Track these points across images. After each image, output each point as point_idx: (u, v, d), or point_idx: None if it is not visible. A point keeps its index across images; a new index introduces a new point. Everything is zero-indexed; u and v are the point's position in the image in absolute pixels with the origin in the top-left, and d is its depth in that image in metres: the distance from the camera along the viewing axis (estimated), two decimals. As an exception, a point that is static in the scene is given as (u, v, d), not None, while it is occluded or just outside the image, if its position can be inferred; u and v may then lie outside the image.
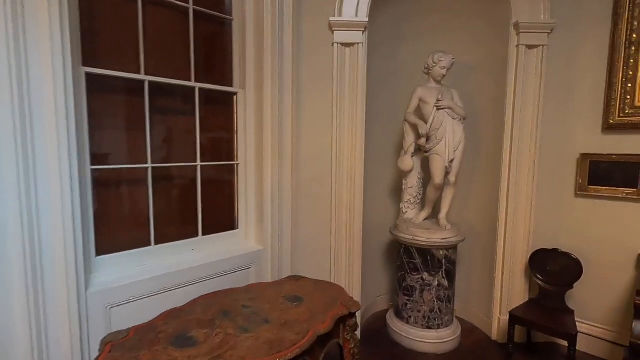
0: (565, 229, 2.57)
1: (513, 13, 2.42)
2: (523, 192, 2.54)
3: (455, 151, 2.47)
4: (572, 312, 2.38)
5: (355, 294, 2.52)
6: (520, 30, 2.40)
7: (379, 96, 2.86)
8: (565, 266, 2.46)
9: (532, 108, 2.46)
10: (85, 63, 1.67)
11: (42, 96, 1.42)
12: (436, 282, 2.53)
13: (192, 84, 2.07)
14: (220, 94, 2.23)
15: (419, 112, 2.57)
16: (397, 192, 2.98)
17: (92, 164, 1.72)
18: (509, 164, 2.55)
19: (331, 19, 2.28)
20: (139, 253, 1.91)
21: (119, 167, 1.85)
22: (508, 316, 2.42)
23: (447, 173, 2.51)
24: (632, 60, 2.26)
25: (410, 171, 2.69)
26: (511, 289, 2.63)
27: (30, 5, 1.37)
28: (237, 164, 2.33)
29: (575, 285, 2.42)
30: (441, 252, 2.51)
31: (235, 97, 2.28)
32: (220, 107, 2.26)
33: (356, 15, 2.30)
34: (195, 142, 2.12)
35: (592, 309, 2.51)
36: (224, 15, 2.20)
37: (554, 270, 2.49)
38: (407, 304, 2.63)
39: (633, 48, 2.25)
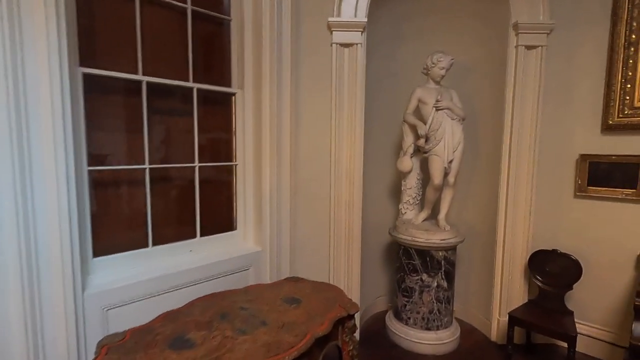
0: (564, 229, 2.57)
1: (512, 13, 2.41)
2: (522, 193, 2.54)
3: (454, 152, 2.46)
4: (571, 313, 2.38)
5: (354, 295, 2.51)
6: (520, 31, 2.40)
7: (379, 96, 2.86)
8: (564, 267, 2.45)
9: (531, 109, 2.46)
10: (83, 63, 1.65)
11: (38, 96, 1.41)
12: (435, 283, 2.52)
13: (190, 84, 2.06)
14: (219, 95, 2.22)
15: (418, 113, 2.57)
16: (396, 193, 2.97)
17: (89, 164, 1.71)
18: (508, 164, 2.54)
19: (330, 19, 2.28)
20: (137, 254, 1.90)
21: (116, 168, 1.84)
22: (507, 317, 2.41)
23: (446, 174, 2.50)
24: (631, 61, 2.26)
25: (409, 172, 2.68)
26: (510, 290, 2.62)
27: (26, 4, 1.36)
28: (236, 165, 2.32)
29: (574, 286, 2.42)
30: (440, 253, 2.50)
31: (233, 97, 2.27)
32: (219, 108, 2.25)
33: (355, 16, 2.30)
34: (193, 143, 2.11)
35: (592, 310, 2.50)
36: (222, 16, 2.19)
37: (553, 271, 2.48)
38: (406, 305, 2.62)
39: (632, 49, 2.25)
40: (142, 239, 1.95)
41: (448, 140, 2.44)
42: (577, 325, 2.30)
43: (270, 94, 2.16)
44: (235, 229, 2.35)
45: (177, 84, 2.00)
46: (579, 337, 2.19)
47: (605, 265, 2.43)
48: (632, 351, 1.86)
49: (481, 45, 2.76)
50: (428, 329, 2.56)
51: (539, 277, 2.52)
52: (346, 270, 2.51)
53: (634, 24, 2.23)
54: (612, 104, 2.33)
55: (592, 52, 2.40)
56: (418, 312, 2.57)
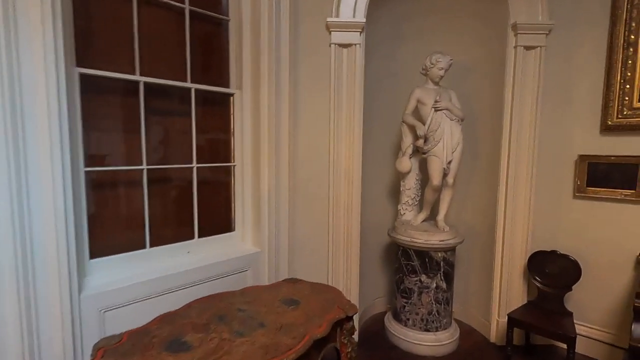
0: (563, 230, 2.56)
1: (511, 14, 2.41)
2: (521, 194, 2.53)
3: (453, 152, 2.45)
4: (570, 314, 2.37)
5: (353, 296, 2.50)
6: (518, 31, 2.39)
7: (378, 97, 2.85)
8: (563, 268, 2.44)
9: (530, 109, 2.45)
10: (79, 63, 1.65)
11: (34, 96, 1.40)
12: (434, 285, 2.51)
13: (188, 84, 2.05)
14: (217, 95, 2.21)
15: (417, 113, 2.56)
16: (395, 194, 2.97)
17: (86, 165, 1.70)
18: (507, 165, 2.53)
19: (328, 19, 2.27)
20: (134, 256, 1.89)
21: (113, 169, 1.83)
22: (506, 318, 2.40)
23: (445, 174, 2.50)
24: (630, 62, 2.26)
25: (408, 172, 2.67)
26: (509, 291, 2.62)
27: (21, 3, 1.35)
28: (234, 166, 2.31)
29: (573, 287, 2.41)
30: (439, 254, 2.50)
31: (231, 98, 2.26)
32: (217, 108, 2.25)
33: (353, 16, 2.29)
34: (191, 144, 2.10)
35: (591, 311, 2.50)
36: (220, 16, 2.18)
37: (552, 272, 2.47)
38: (405, 306, 2.61)
39: (631, 49, 2.24)
40: (140, 240, 1.94)
41: (447, 141, 2.43)
42: (576, 326, 2.30)
43: (269, 95, 2.15)
44: (234, 230, 2.34)
45: (175, 85, 1.99)
46: (578, 338, 2.18)
47: (604, 266, 2.43)
48: (632, 352, 1.85)
49: (481, 46, 2.75)
50: (427, 330, 2.55)
51: (538, 278, 2.51)
52: (345, 271, 2.50)
53: (633, 24, 2.23)
54: (611, 104, 2.33)
55: (591, 52, 2.39)
56: (417, 313, 2.56)
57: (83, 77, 1.65)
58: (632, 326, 1.89)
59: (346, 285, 2.50)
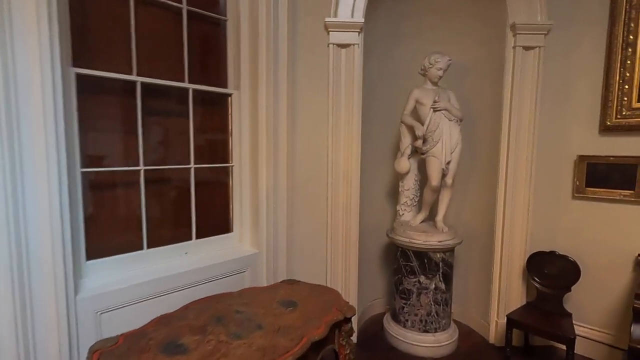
0: (562, 231, 2.56)
1: (509, 14, 2.40)
2: (520, 194, 2.52)
3: (452, 153, 2.45)
4: (570, 315, 2.36)
5: (352, 297, 2.49)
6: (517, 32, 2.39)
7: (376, 97, 2.84)
8: (562, 269, 2.44)
9: (529, 109, 2.45)
10: (76, 63, 1.63)
11: (30, 97, 1.39)
12: (433, 285, 2.50)
13: (185, 85, 2.04)
14: (215, 95, 2.20)
15: (416, 114, 2.55)
16: (394, 194, 2.96)
17: (83, 166, 1.69)
18: (506, 165, 2.53)
19: (327, 19, 2.26)
20: (131, 257, 1.88)
21: (110, 170, 1.82)
22: (505, 319, 2.40)
23: (443, 175, 2.49)
24: (628, 62, 2.25)
25: (407, 173, 2.67)
26: (508, 292, 2.61)
27: (17, 3, 1.34)
28: (232, 166, 2.30)
29: (573, 288, 2.40)
30: (438, 255, 2.49)
31: (229, 98, 2.25)
32: (215, 109, 2.23)
33: (352, 16, 2.28)
34: (188, 144, 2.09)
35: (590, 311, 2.49)
36: (218, 16, 2.17)
37: (551, 273, 2.47)
38: (404, 307, 2.60)
39: (630, 49, 2.24)
40: (137, 242, 1.92)
41: (446, 142, 2.43)
42: (575, 327, 2.29)
43: (267, 95, 2.15)
44: (232, 231, 2.33)
45: (172, 85, 1.98)
46: (577, 339, 2.17)
47: (603, 266, 2.42)
48: (631, 353, 1.84)
49: (479, 46, 2.75)
50: (426, 331, 2.54)
51: (537, 279, 2.50)
52: (343, 272, 2.49)
53: (632, 25, 2.22)
54: (610, 104, 2.32)
55: (590, 52, 2.39)
56: (416, 315, 2.55)
57: (79, 77, 1.64)
58: (632, 327, 1.88)
59: (345, 286, 2.49)
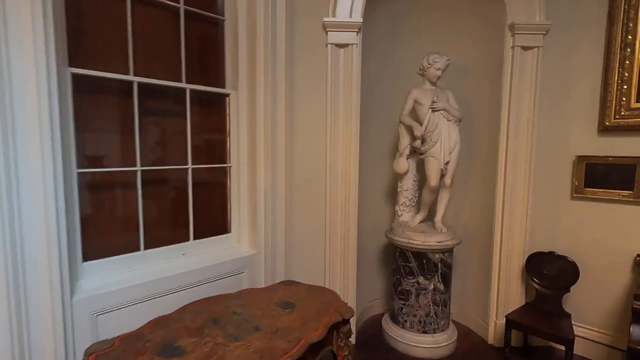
0: (561, 231, 2.55)
1: (508, 14, 2.40)
2: (519, 194, 2.52)
3: (450, 153, 2.44)
4: (568, 315, 2.36)
5: (350, 298, 2.48)
6: (516, 32, 2.38)
7: (375, 97, 2.84)
8: (561, 269, 2.43)
9: (527, 110, 2.44)
10: (72, 63, 1.62)
11: (25, 97, 1.38)
12: (432, 286, 2.49)
13: (182, 85, 2.03)
14: (212, 95, 2.19)
15: (414, 114, 2.55)
16: (393, 195, 2.95)
17: (79, 166, 1.67)
18: (504, 166, 2.52)
19: (325, 19, 2.25)
20: (128, 258, 1.87)
21: (106, 170, 1.80)
22: (504, 320, 2.39)
23: (442, 175, 2.48)
24: (627, 62, 2.25)
25: (406, 173, 2.66)
26: (507, 293, 2.60)
27: (12, 2, 1.33)
28: (230, 167, 2.29)
29: (572, 288, 2.40)
30: (437, 256, 2.48)
31: (227, 98, 2.24)
32: (212, 109, 2.22)
33: (350, 16, 2.27)
34: (186, 145, 2.08)
35: (589, 312, 2.49)
36: (215, 15, 2.16)
37: (550, 273, 2.46)
38: (402, 308, 2.59)
39: (628, 50, 2.24)
40: (134, 243, 1.91)
41: (444, 142, 2.42)
42: (574, 327, 2.29)
43: (265, 95, 2.14)
44: (230, 231, 2.32)
45: (170, 85, 1.97)
46: (576, 339, 2.17)
47: (602, 267, 2.42)
48: (630, 354, 1.83)
49: (478, 46, 2.74)
50: (425, 332, 2.53)
51: (536, 280, 2.50)
52: (342, 273, 2.48)
53: (630, 25, 2.22)
54: (608, 105, 2.32)
55: (588, 53, 2.39)
56: (415, 315, 2.54)
57: (75, 77, 1.63)
58: (631, 328, 1.87)
59: (343, 287, 2.48)
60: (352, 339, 2.29)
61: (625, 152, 2.30)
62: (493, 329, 2.65)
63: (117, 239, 1.87)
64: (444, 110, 2.43)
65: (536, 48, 2.39)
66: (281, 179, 2.26)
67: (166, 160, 2.03)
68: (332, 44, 2.29)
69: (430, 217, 2.69)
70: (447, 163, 2.45)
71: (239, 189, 2.30)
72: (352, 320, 2.20)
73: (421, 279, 2.50)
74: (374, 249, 3.07)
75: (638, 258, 2.26)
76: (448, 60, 2.47)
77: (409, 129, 2.54)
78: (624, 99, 2.27)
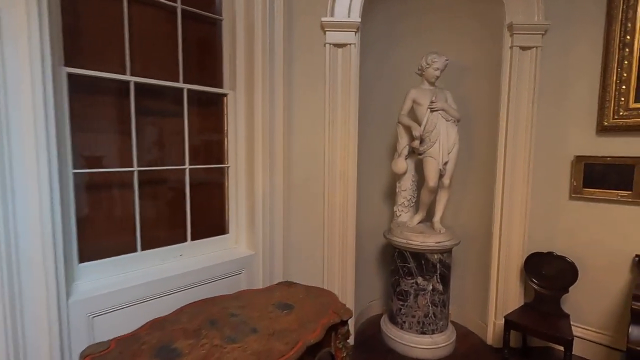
0: (560, 231, 2.55)
1: (507, 14, 2.39)
2: (518, 195, 2.51)
3: (449, 153, 2.43)
4: (567, 316, 2.35)
5: (349, 299, 2.47)
6: (514, 32, 2.38)
7: (373, 97, 2.83)
8: (560, 270, 2.43)
9: (526, 110, 2.44)
10: (67, 63, 1.61)
11: (19, 96, 1.36)
12: (430, 287, 2.49)
13: (180, 85, 2.02)
14: (210, 95, 2.18)
15: (413, 114, 2.54)
16: (391, 195, 2.94)
17: (75, 167, 1.66)
18: (503, 166, 2.52)
19: (323, 19, 2.24)
20: (125, 259, 1.85)
21: (103, 171, 1.79)
22: (503, 321, 2.38)
23: (441, 176, 2.47)
24: (626, 62, 2.24)
25: (404, 174, 2.65)
26: (506, 293, 2.60)
27: (6, 1, 1.31)
28: (228, 167, 2.28)
29: (570, 289, 2.40)
30: (435, 256, 2.47)
31: (225, 98, 2.23)
32: (210, 109, 2.21)
33: (348, 16, 2.27)
34: (183, 145, 2.06)
35: (588, 312, 2.48)
36: (213, 15, 2.15)
37: (549, 274, 2.46)
38: (401, 308, 2.58)
39: (627, 50, 2.23)
40: (131, 244, 1.90)
41: (443, 142, 2.41)
42: (573, 328, 2.28)
43: (263, 95, 2.13)
44: (227, 232, 2.31)
45: (167, 85, 1.96)
46: (575, 340, 2.16)
47: (601, 267, 2.41)
48: (629, 354, 1.83)
49: (477, 46, 2.73)
50: (423, 332, 2.52)
51: (534, 280, 2.49)
52: (340, 273, 2.47)
53: (629, 24, 2.22)
54: (607, 105, 2.31)
55: (587, 53, 2.38)
56: (413, 316, 2.53)
57: (71, 76, 1.61)
58: (629, 328, 1.87)
59: (342, 287, 2.47)
60: (351, 340, 2.29)
61: (624, 152, 2.29)
62: (492, 329, 2.64)
63: (114, 240, 1.85)
64: (443, 110, 2.42)
65: (535, 48, 2.39)
66: (279, 179, 2.25)
67: (163, 160, 2.02)
68: (330, 43, 2.28)
69: (429, 218, 2.68)
70: (445, 163, 2.44)
71: (236, 189, 2.29)
72: (351, 321, 2.19)
73: (420, 280, 2.49)
74: (373, 250, 3.06)
75: (637, 258, 2.26)
76: (447, 60, 2.46)
77: (408, 129, 2.53)
78: (623, 99, 2.27)
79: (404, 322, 2.57)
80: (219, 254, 2.19)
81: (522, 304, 2.57)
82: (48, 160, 1.44)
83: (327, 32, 2.27)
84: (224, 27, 2.20)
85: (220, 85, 2.22)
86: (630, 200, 2.28)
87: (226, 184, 2.29)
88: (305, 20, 2.26)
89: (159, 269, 1.91)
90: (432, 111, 2.43)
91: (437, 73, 2.47)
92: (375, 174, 2.97)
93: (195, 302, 1.72)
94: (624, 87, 2.26)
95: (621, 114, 2.28)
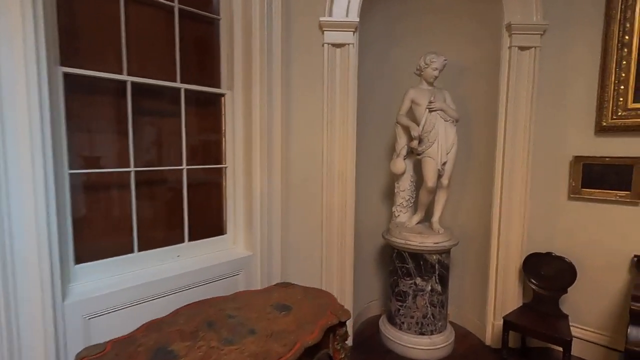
0: (558, 232, 2.55)
1: (505, 14, 2.39)
2: (516, 195, 2.51)
3: (447, 154, 2.43)
4: (566, 317, 2.35)
5: (347, 300, 2.46)
6: (513, 32, 2.37)
7: (372, 97, 2.82)
8: (559, 270, 2.43)
9: (524, 110, 2.44)
10: (63, 62, 1.60)
11: (14, 96, 1.35)
12: (429, 287, 2.48)
13: (177, 84, 2.00)
14: (207, 95, 2.17)
15: (411, 114, 2.54)
16: (390, 195, 2.94)
17: (71, 168, 1.64)
18: (502, 166, 2.51)
19: (321, 19, 2.24)
20: (121, 260, 1.84)
21: (99, 171, 1.77)
22: (502, 321, 2.38)
23: (439, 176, 2.47)
24: (624, 62, 2.24)
25: (403, 174, 2.65)
26: (505, 294, 2.59)
27: (0, 0, 1.30)
28: (225, 167, 2.27)
29: (569, 289, 2.39)
30: (434, 257, 2.47)
31: (222, 98, 2.22)
32: (208, 109, 2.20)
33: (347, 16, 2.26)
34: (181, 145, 2.05)
35: (587, 313, 2.48)
36: (211, 15, 2.14)
37: (548, 274, 2.46)
38: (399, 309, 2.57)
39: (625, 50, 2.23)
40: (128, 245, 1.88)
41: (441, 142, 2.41)
42: (572, 328, 2.28)
43: (261, 95, 2.11)
44: (225, 233, 2.30)
45: (164, 85, 1.95)
46: (573, 340, 2.16)
47: (599, 268, 2.41)
48: (628, 355, 1.83)
49: (475, 46, 2.73)
50: (422, 333, 2.52)
51: (533, 281, 2.49)
52: (339, 274, 2.46)
53: (627, 25, 2.21)
54: (605, 105, 2.31)
55: (585, 52, 2.38)
56: (412, 317, 2.53)
57: (67, 76, 1.60)
58: (628, 329, 1.87)
59: (340, 288, 2.46)
60: (349, 341, 2.28)
61: (623, 152, 2.29)
62: (491, 330, 2.64)
63: (111, 241, 1.84)
64: (441, 110, 2.41)
65: (533, 48, 2.39)
66: (277, 179, 2.24)
67: (161, 160, 2.00)
68: (328, 43, 2.28)
69: (427, 218, 2.68)
70: (444, 163, 2.43)
71: (234, 189, 2.28)
72: (349, 322, 2.18)
73: (418, 280, 2.49)
74: (371, 250, 3.06)
75: (635, 259, 2.26)
76: (445, 60, 2.46)
77: (406, 130, 2.53)
78: (621, 99, 2.27)
79: (403, 322, 2.56)
80: (217, 254, 2.17)
81: (521, 304, 2.57)
82: (43, 160, 1.42)
83: (325, 32, 2.26)
84: (222, 26, 2.18)
85: (218, 85, 2.20)
86: (628, 200, 2.28)
87: (224, 184, 2.28)
88: (304, 20, 2.25)
89: (156, 270, 1.90)
90: (430, 111, 2.42)
91: (436, 73, 2.46)
92: (373, 174, 2.96)
93: (192, 303, 1.71)
94: (622, 87, 2.26)
95: (620, 114, 2.28)
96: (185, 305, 1.68)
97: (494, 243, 2.59)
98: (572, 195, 2.48)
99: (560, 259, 2.43)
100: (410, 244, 2.45)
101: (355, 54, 2.31)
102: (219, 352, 1.28)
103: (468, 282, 2.93)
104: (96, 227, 1.79)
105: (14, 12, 1.32)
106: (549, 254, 2.47)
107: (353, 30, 2.27)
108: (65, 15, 1.61)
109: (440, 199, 2.58)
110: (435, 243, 2.43)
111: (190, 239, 2.11)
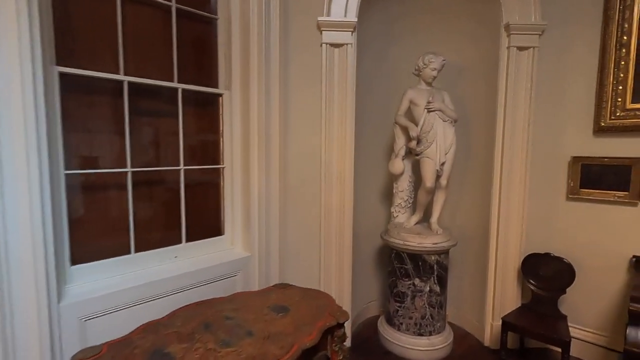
0: (557, 232, 2.54)
1: (504, 14, 2.39)
2: (515, 196, 2.51)
3: (446, 154, 2.42)
4: (565, 317, 2.35)
5: (345, 301, 2.45)
6: (511, 32, 2.37)
7: (370, 97, 2.81)
8: (557, 271, 2.42)
9: (523, 110, 2.43)
10: (59, 62, 1.58)
11: (9, 95, 1.33)
12: (428, 288, 2.47)
13: (174, 84, 1.99)
14: (205, 95, 2.16)
15: (410, 115, 2.53)
16: (388, 196, 2.93)
17: (67, 168, 1.63)
18: (500, 166, 2.51)
19: (319, 18, 2.23)
20: (118, 261, 1.83)
21: (95, 172, 1.76)
22: (501, 322, 2.37)
23: (438, 176, 2.46)
24: (622, 62, 2.24)
25: (401, 174, 2.64)
26: (503, 294, 2.59)
27: (-5, -1, 1.29)
28: (223, 168, 2.25)
29: (568, 290, 2.39)
30: (433, 257, 2.46)
31: (220, 98, 2.21)
32: (205, 109, 2.19)
33: (345, 16, 2.25)
34: (178, 145, 2.04)
35: (585, 314, 2.48)
36: (208, 14, 2.13)
37: (546, 275, 2.45)
38: (398, 310, 2.57)
39: (624, 50, 2.23)
40: (124, 245, 1.87)
41: (440, 142, 2.40)
42: (570, 329, 2.28)
43: (259, 95, 2.10)
44: (223, 233, 2.28)
45: (161, 85, 1.93)
46: (572, 341, 2.16)
47: (598, 268, 2.41)
48: (626, 356, 1.82)
49: (473, 46, 2.73)
50: (420, 334, 2.51)
51: (532, 281, 2.49)
52: (337, 275, 2.45)
53: (626, 25, 2.21)
54: (604, 105, 2.31)
55: (584, 53, 2.38)
56: (410, 318, 2.52)
57: (63, 76, 1.58)
58: (627, 329, 1.86)
59: (338, 289, 2.45)
60: (348, 342, 2.27)
61: (621, 152, 2.29)
62: (489, 330, 2.63)
63: (107, 242, 1.82)
64: (440, 110, 2.41)
65: (532, 48, 2.38)
66: (275, 180, 2.23)
67: (158, 161, 1.99)
68: (326, 43, 2.27)
69: (426, 219, 2.67)
70: (442, 164, 2.43)
71: (232, 190, 2.27)
72: (347, 323, 2.17)
73: (417, 281, 2.48)
74: (370, 251, 3.05)
75: (633, 259, 2.25)
76: (444, 60, 2.46)
77: (405, 130, 2.52)
78: (620, 99, 2.26)
79: (401, 323, 2.56)
80: (214, 255, 2.16)
81: (520, 305, 2.57)
82: (39, 160, 1.41)
83: (323, 32, 2.26)
84: (220, 26, 2.17)
85: (216, 85, 2.19)
86: (627, 201, 2.28)
87: (222, 184, 2.27)
88: (302, 19, 2.24)
89: (153, 271, 1.88)
90: (429, 111, 2.42)
91: (434, 73, 2.46)
92: (372, 175, 2.95)
93: (189, 305, 1.70)
94: (620, 87, 2.26)
95: (618, 114, 2.27)
96: (182, 307, 1.67)
97: (492, 243, 2.59)
98: (570, 196, 2.48)
99: (559, 259, 2.42)
100: (408, 245, 2.44)
101: (353, 53, 2.30)
102: (216, 354, 1.27)
103: (467, 283, 2.92)
104: (93, 228, 1.78)
105: (9, 10, 1.31)
106: (547, 254, 2.47)
107: (351, 30, 2.26)
108: (61, 14, 1.60)
109: (439, 200, 2.57)
110: (433, 244, 2.42)
111: (187, 240, 2.10)
